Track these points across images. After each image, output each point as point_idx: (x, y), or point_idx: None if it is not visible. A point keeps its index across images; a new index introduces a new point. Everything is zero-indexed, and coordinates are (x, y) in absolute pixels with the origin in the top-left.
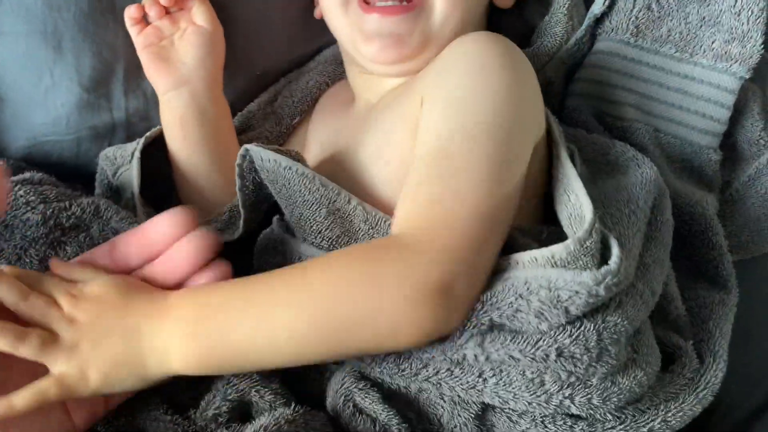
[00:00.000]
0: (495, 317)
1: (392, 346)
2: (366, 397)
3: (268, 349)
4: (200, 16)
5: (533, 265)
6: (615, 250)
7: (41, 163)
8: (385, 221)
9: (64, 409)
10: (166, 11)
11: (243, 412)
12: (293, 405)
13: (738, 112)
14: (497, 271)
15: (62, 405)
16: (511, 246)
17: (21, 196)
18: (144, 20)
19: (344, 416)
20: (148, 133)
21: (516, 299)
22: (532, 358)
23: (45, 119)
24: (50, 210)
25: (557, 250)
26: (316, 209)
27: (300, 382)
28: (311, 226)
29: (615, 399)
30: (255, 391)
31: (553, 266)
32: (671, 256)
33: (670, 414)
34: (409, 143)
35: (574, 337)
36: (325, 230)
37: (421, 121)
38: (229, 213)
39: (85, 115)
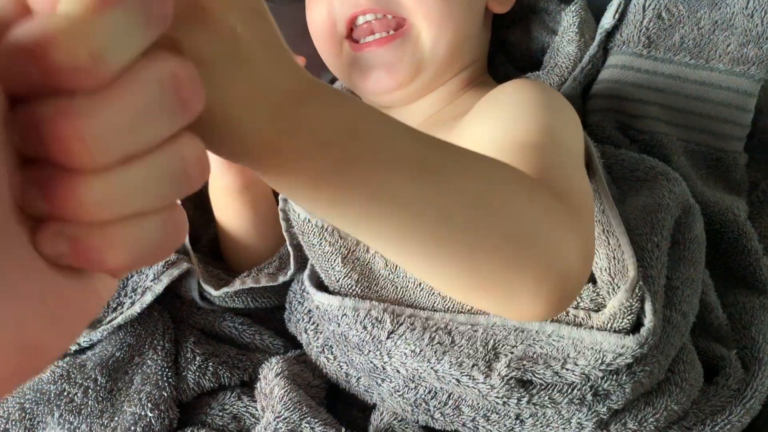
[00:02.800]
0: (539, 373)
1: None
2: (407, 427)
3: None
4: None
5: (576, 325)
6: (648, 306)
7: None
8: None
9: None
10: None
11: None
12: (343, 430)
13: (759, 111)
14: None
15: None
16: None
17: None
18: None
19: None
20: None
21: (564, 360)
22: (570, 400)
23: None
24: None
25: (604, 317)
26: (334, 258)
27: (344, 421)
28: (330, 275)
29: (652, 419)
30: (306, 423)
31: (599, 329)
32: (708, 264)
33: (717, 427)
34: None
35: (609, 380)
36: (343, 277)
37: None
38: (279, 259)
39: None
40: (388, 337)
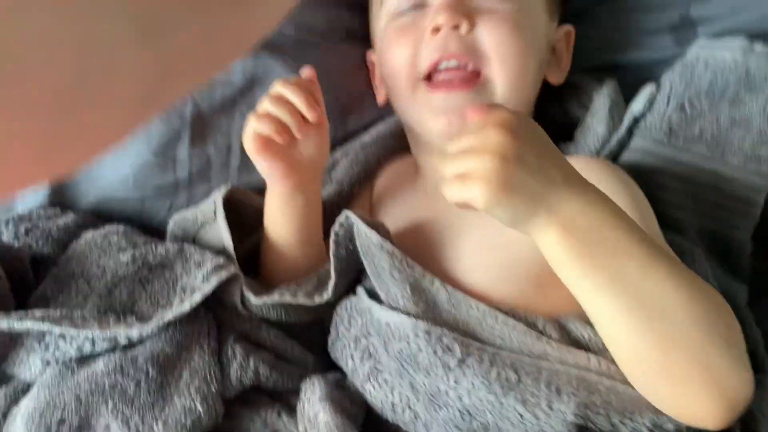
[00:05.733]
0: (599, 423)
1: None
2: None
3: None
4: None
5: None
6: None
7: (107, 218)
8: (465, 302)
9: None
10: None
11: None
12: None
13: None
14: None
15: None
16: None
17: (114, 243)
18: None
19: None
20: (222, 193)
21: (623, 414)
22: None
23: (114, 178)
24: (139, 251)
25: None
26: (402, 285)
27: None
28: (398, 299)
29: None
30: None
31: None
32: None
33: None
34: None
35: None
36: (410, 304)
37: None
38: (318, 278)
39: (151, 176)
40: (457, 365)
